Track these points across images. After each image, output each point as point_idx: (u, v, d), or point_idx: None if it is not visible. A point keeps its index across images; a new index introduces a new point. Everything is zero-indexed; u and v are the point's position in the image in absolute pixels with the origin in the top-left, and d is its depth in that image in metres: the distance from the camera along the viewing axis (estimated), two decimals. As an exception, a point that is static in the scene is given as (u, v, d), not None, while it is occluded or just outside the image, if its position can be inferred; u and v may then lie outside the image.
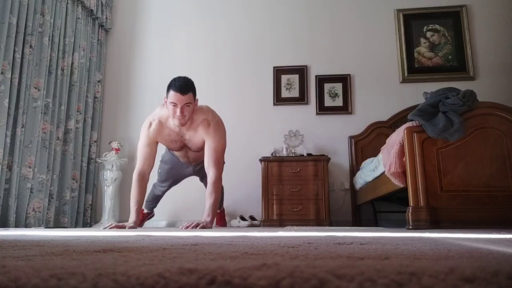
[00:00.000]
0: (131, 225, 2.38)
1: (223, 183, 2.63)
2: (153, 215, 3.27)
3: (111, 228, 2.27)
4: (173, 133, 2.50)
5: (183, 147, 2.60)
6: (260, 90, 4.13)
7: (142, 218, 3.15)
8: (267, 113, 4.07)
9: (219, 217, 3.40)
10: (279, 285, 0.32)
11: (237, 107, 4.11)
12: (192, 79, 2.43)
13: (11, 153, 2.94)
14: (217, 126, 2.48)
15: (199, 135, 2.48)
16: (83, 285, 0.33)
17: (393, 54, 4.09)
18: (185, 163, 2.81)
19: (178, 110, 2.31)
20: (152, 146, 2.51)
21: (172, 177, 2.93)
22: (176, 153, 2.73)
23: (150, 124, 2.49)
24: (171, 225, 3.86)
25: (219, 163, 2.46)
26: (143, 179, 2.49)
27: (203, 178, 2.86)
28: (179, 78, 2.36)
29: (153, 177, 2.96)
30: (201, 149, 2.57)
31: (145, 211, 3.16)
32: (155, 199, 3.11)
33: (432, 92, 2.33)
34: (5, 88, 2.86)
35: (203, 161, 2.69)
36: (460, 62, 3.97)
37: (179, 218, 3.84)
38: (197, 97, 2.44)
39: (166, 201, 3.40)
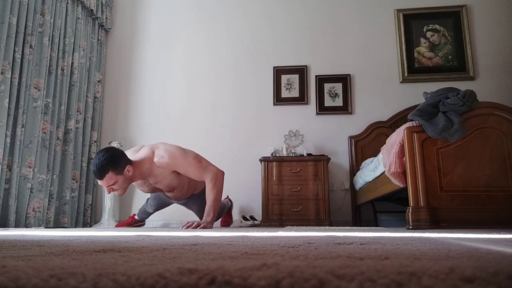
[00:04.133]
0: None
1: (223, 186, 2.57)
2: (143, 224, 3.27)
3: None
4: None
5: (155, 190, 2.56)
6: (260, 90, 4.13)
7: (132, 222, 3.16)
8: (267, 113, 4.07)
9: (224, 216, 3.40)
10: (279, 285, 0.32)
11: (237, 107, 4.11)
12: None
13: (11, 153, 2.94)
14: (168, 158, 2.35)
15: (164, 175, 2.39)
16: (83, 285, 0.33)
17: (393, 54, 4.09)
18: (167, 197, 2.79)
19: (106, 190, 2.29)
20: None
21: (160, 199, 2.90)
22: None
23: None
24: (166, 225, 3.86)
25: (203, 169, 2.40)
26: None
27: (190, 208, 2.86)
28: (95, 158, 2.22)
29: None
30: (173, 188, 2.50)
31: (137, 217, 3.18)
32: (146, 214, 3.11)
33: (432, 92, 2.33)
34: (5, 88, 2.86)
35: (185, 198, 2.71)
36: (460, 62, 3.97)
37: (176, 219, 3.84)
38: (128, 166, 2.28)
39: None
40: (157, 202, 2.93)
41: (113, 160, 2.22)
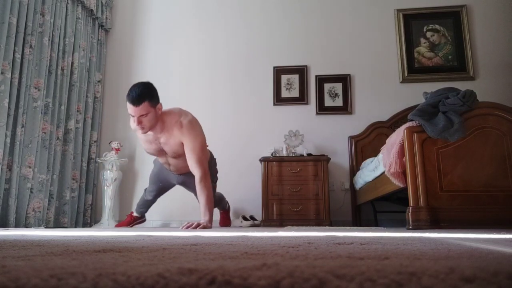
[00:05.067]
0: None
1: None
2: (144, 220, 3.26)
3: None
4: (148, 133, 2.47)
5: (160, 151, 2.57)
6: (260, 90, 4.13)
7: (131, 221, 3.15)
8: (267, 113, 4.07)
9: (223, 217, 3.39)
10: (279, 285, 0.32)
11: (237, 107, 4.11)
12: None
13: (11, 153, 2.94)
14: (190, 125, 2.42)
15: (175, 138, 2.43)
16: (83, 285, 0.33)
17: (393, 54, 4.09)
18: (168, 170, 2.78)
19: (135, 120, 2.30)
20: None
21: (160, 182, 2.90)
22: (159, 159, 2.72)
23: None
24: (166, 225, 3.86)
25: (201, 161, 2.41)
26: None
27: (190, 188, 2.84)
28: (134, 87, 2.26)
29: (146, 182, 2.97)
30: (178, 155, 2.52)
31: (134, 214, 3.16)
32: (146, 205, 3.10)
33: (432, 92, 2.33)
34: (5, 88, 2.86)
35: (184, 172, 2.69)
36: (460, 62, 3.97)
37: (175, 218, 3.84)
38: (160, 102, 2.37)
39: (162, 202, 3.39)
40: (156, 186, 2.91)
41: (152, 92, 2.29)
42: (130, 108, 2.27)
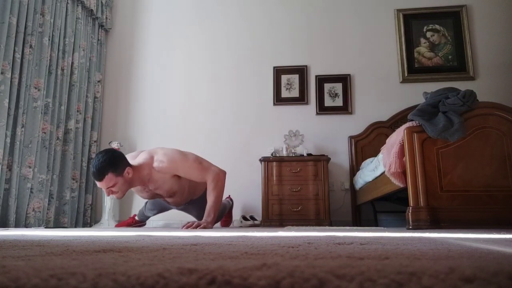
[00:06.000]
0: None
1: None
2: (144, 224, 3.26)
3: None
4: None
5: (156, 195, 2.53)
6: (260, 90, 4.13)
7: (132, 223, 3.16)
8: (267, 113, 4.07)
9: (224, 219, 3.39)
10: (279, 285, 0.32)
11: (237, 107, 4.11)
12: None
13: (11, 153, 2.94)
14: (169, 158, 2.34)
15: (164, 179, 2.36)
16: (83, 285, 0.33)
17: (393, 54, 4.09)
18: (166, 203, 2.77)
19: (106, 192, 2.26)
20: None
21: (159, 207, 2.90)
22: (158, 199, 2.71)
23: None
24: (167, 225, 3.86)
25: (203, 171, 2.38)
26: None
27: (191, 213, 2.84)
28: (95, 159, 2.19)
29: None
30: (173, 193, 2.47)
31: (137, 218, 3.17)
32: (146, 217, 3.11)
33: (432, 92, 2.33)
34: (5, 88, 2.86)
35: (185, 203, 2.69)
36: (460, 62, 3.97)
37: (175, 219, 3.84)
38: (128, 167, 2.25)
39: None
40: (155, 207, 2.93)
41: (113, 161, 2.19)
42: (96, 182, 2.22)
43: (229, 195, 3.57)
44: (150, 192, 2.49)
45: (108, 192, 2.24)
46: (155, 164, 2.34)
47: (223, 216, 3.36)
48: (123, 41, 4.42)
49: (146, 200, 3.01)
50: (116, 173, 2.20)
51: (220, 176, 2.42)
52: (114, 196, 2.29)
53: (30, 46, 3.15)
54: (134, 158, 2.42)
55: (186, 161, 2.39)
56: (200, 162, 2.44)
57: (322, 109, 4.01)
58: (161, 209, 2.94)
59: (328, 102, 4.02)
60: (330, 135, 3.94)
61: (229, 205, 3.29)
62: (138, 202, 3.95)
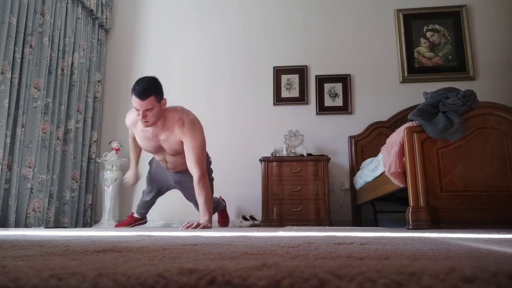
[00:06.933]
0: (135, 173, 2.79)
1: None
2: (145, 222, 3.25)
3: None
4: (147, 130, 2.46)
5: (159, 148, 2.55)
6: (260, 90, 4.13)
7: (132, 221, 3.15)
8: (267, 113, 4.07)
9: (220, 216, 3.39)
10: (279, 285, 0.32)
11: (237, 107, 4.11)
12: (160, 79, 2.35)
13: (11, 153, 2.94)
14: (192, 124, 2.43)
15: (175, 136, 2.43)
16: (83, 285, 0.33)
17: (393, 54, 4.09)
18: (165, 168, 2.77)
19: (140, 114, 2.29)
20: (133, 136, 2.63)
21: (156, 181, 2.90)
22: (156, 157, 2.72)
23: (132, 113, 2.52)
24: (167, 225, 3.86)
25: (200, 161, 2.42)
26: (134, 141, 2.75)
27: (186, 191, 2.82)
28: (141, 80, 2.27)
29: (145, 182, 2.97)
30: (177, 153, 2.52)
31: (135, 215, 3.15)
32: (145, 206, 3.09)
33: (432, 92, 2.33)
34: (5, 88, 2.86)
35: (181, 170, 2.68)
36: (460, 62, 3.97)
37: (175, 219, 3.84)
38: (164, 98, 2.38)
39: (162, 202, 3.39)
40: (153, 186, 2.91)
41: (159, 86, 2.32)
42: (136, 101, 2.26)
43: (220, 196, 3.53)
44: (157, 143, 2.51)
45: (144, 115, 2.28)
46: (182, 116, 2.43)
47: (219, 216, 3.36)
48: (123, 41, 4.42)
49: (144, 188, 3.03)
50: (157, 98, 2.29)
51: (205, 176, 2.44)
52: (144, 123, 2.33)
53: (30, 46, 3.15)
54: None
55: (199, 135, 2.45)
56: (203, 150, 2.47)
57: (322, 109, 4.01)
58: (160, 188, 2.92)
59: (328, 102, 4.02)
60: (330, 135, 3.94)
61: (222, 205, 3.28)
62: (138, 202, 3.94)
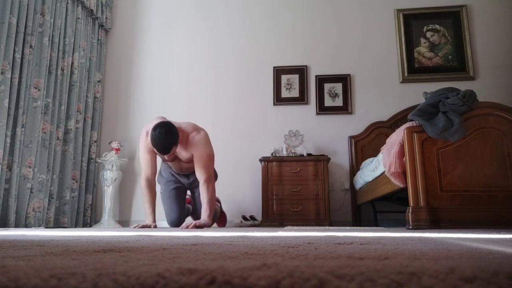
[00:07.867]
0: (154, 224, 2.67)
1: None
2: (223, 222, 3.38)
3: (139, 228, 2.47)
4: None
5: (175, 158, 2.74)
6: (260, 90, 4.13)
7: (221, 217, 3.30)
8: (267, 113, 4.07)
9: (219, 220, 3.39)
10: (279, 285, 0.32)
11: (237, 107, 4.11)
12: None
13: (11, 153, 2.94)
14: (201, 138, 2.61)
15: (188, 150, 2.63)
16: (83, 285, 0.33)
17: (393, 54, 4.09)
18: (178, 172, 2.89)
19: (168, 158, 2.63)
20: (151, 153, 2.65)
21: (171, 185, 2.95)
22: (172, 165, 2.86)
23: (147, 133, 2.58)
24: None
25: (207, 167, 2.59)
26: (151, 183, 2.69)
27: (194, 192, 2.94)
28: (158, 140, 2.36)
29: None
30: (190, 160, 2.68)
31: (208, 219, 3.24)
32: (192, 206, 3.17)
33: (432, 92, 2.33)
34: (5, 88, 2.86)
35: (193, 172, 2.78)
36: (460, 62, 3.97)
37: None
38: (180, 136, 2.52)
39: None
40: (171, 200, 2.96)
41: (176, 137, 2.45)
42: (161, 155, 2.54)
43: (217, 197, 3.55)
44: (173, 155, 2.68)
45: (169, 158, 2.65)
46: (192, 134, 2.60)
47: (217, 221, 3.37)
48: (123, 41, 4.42)
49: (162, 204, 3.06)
50: (176, 145, 2.49)
51: (212, 181, 2.62)
52: (169, 157, 2.65)
53: (30, 46, 3.15)
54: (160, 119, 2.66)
55: (206, 147, 2.62)
56: (210, 158, 2.65)
57: (322, 109, 4.01)
58: (177, 194, 2.96)
59: (328, 102, 4.02)
60: (330, 135, 3.94)
61: (218, 210, 3.30)
62: (138, 202, 3.95)
